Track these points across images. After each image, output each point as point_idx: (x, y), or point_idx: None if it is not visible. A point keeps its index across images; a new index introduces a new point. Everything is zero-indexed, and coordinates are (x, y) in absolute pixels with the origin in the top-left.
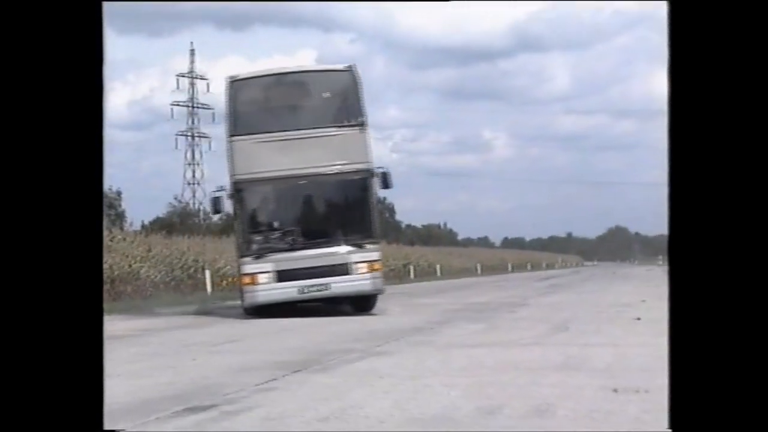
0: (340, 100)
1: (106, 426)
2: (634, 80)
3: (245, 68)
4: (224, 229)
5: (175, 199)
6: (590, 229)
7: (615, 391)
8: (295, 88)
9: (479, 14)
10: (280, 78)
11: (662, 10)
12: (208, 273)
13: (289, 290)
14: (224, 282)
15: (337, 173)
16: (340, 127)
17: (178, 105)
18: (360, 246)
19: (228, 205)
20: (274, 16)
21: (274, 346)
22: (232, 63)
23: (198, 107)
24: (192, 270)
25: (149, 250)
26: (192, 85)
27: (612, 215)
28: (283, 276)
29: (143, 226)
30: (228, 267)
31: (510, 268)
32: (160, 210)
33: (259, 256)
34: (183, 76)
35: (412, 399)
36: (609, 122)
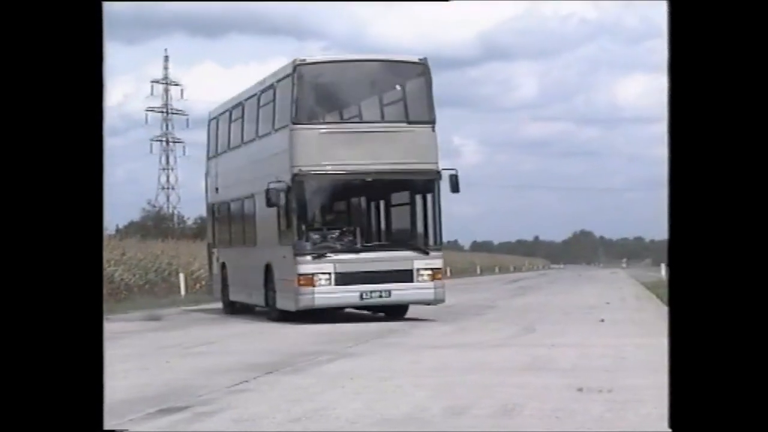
0: (412, 95)
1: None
2: (598, 89)
3: (219, 75)
4: (198, 233)
5: (149, 203)
6: (556, 233)
7: (580, 390)
8: (366, 77)
9: (449, 23)
10: (349, 65)
11: (624, 19)
12: (182, 276)
13: (349, 294)
14: (198, 285)
15: (404, 172)
16: (410, 123)
17: (152, 111)
18: (425, 252)
19: (283, 199)
20: (248, 24)
21: (247, 348)
22: (206, 70)
23: (172, 113)
24: (166, 273)
25: (123, 254)
26: (166, 91)
27: (577, 219)
28: (343, 279)
29: (117, 230)
30: (202, 270)
31: (479, 271)
32: (134, 214)
33: (318, 255)
34: (157, 83)
35: (382, 400)
36: (574, 129)
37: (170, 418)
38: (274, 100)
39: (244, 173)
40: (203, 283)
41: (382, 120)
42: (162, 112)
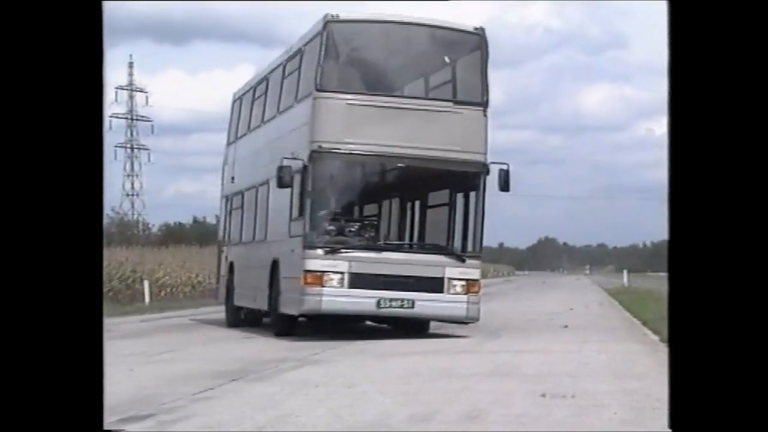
0: (463, 70)
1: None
2: (562, 97)
3: (184, 82)
4: (164, 240)
5: (113, 210)
6: (521, 240)
7: (543, 396)
8: (409, 43)
9: None
10: (391, 28)
11: (588, 29)
12: (146, 283)
13: (364, 301)
14: (162, 292)
15: (445, 161)
16: (458, 103)
17: (116, 117)
18: (460, 259)
19: (297, 179)
20: (213, 31)
21: (212, 356)
22: (172, 76)
23: (137, 119)
24: (130, 280)
25: None
26: (131, 97)
27: (541, 226)
28: (358, 281)
29: None
30: (167, 277)
31: None
32: None
33: (330, 250)
34: (122, 89)
35: (348, 407)
36: (539, 137)
37: (133, 426)
38: (300, 67)
39: (260, 157)
40: (168, 290)
41: (425, 96)
42: (126, 118)
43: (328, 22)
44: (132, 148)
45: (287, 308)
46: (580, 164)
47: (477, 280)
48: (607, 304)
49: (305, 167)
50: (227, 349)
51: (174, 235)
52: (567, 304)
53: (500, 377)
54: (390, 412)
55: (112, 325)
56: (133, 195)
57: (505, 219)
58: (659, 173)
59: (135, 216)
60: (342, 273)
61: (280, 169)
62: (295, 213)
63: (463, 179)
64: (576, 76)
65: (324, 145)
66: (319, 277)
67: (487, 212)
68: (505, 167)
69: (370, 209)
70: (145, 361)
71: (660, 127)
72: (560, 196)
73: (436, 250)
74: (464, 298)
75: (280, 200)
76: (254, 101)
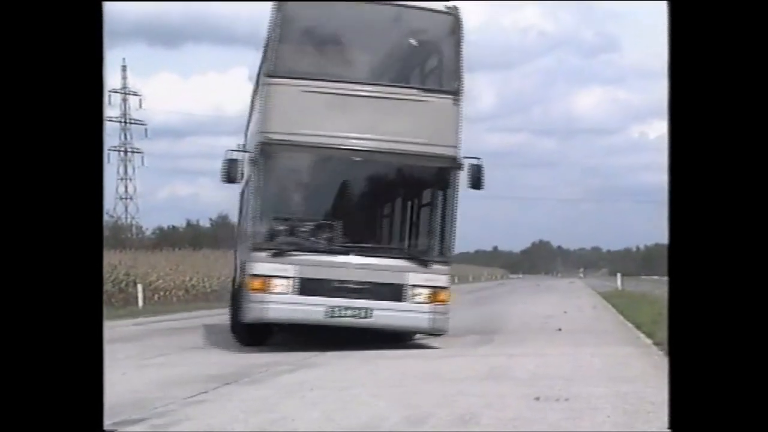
0: (432, 54)
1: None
2: (555, 100)
3: (178, 85)
4: (157, 244)
5: (107, 213)
6: (515, 243)
7: (537, 399)
8: (372, 24)
9: None
10: (352, 7)
11: (581, 33)
12: (140, 287)
13: (313, 309)
14: (156, 296)
15: (412, 155)
16: (426, 91)
17: (110, 120)
18: (424, 263)
19: (245, 174)
20: (206, 34)
21: (205, 359)
22: (165, 79)
23: (130, 123)
24: (123, 284)
25: None
26: (124, 100)
27: (535, 230)
28: (308, 287)
29: None
30: (160, 281)
31: None
32: None
33: (278, 252)
34: (115, 92)
35: (341, 410)
36: (532, 140)
37: (126, 430)
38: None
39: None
40: (162, 294)
41: (391, 83)
42: (120, 121)
43: (282, 1)
44: (126, 152)
45: (242, 316)
46: (574, 167)
47: (444, 288)
48: (600, 308)
49: (254, 161)
50: (221, 353)
51: (168, 239)
52: (561, 308)
53: (493, 380)
54: (383, 415)
55: (105, 328)
56: (126, 198)
57: (498, 222)
58: (653, 176)
59: (128, 219)
60: (290, 278)
61: (225, 162)
62: (245, 212)
63: (432, 175)
64: (569, 79)
65: (274, 137)
66: (264, 283)
67: (479, 215)
68: (476, 162)
69: (326, 208)
70: (138, 365)
71: (653, 130)
72: (554, 199)
73: (399, 253)
74: (428, 307)
75: (248, 196)
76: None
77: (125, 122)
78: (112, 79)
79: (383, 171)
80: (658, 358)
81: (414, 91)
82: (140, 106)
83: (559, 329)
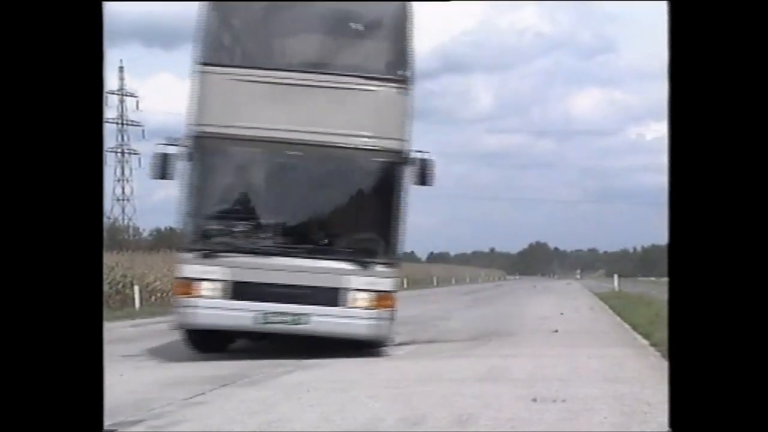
0: (378, 39)
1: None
2: (553, 101)
3: (175, 86)
4: (154, 245)
5: (104, 215)
6: (512, 245)
7: (534, 400)
8: (312, 8)
9: None
10: None
11: (579, 34)
12: (136, 288)
13: (244, 314)
14: (153, 297)
15: (354, 149)
16: (370, 79)
17: (107, 122)
18: (365, 265)
19: (174, 169)
20: None
21: (203, 360)
22: (162, 81)
23: (128, 124)
24: (120, 285)
25: None
26: (121, 102)
27: (532, 231)
28: (239, 291)
29: None
30: (157, 282)
31: (435, 282)
32: None
33: (208, 253)
34: (112, 93)
35: (339, 411)
36: (530, 142)
37: (124, 431)
38: None
39: None
40: (159, 295)
41: (332, 71)
42: (117, 123)
43: None
44: (123, 153)
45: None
46: (571, 168)
47: (389, 292)
48: (597, 309)
49: (185, 155)
50: (219, 354)
51: (165, 240)
52: (557, 309)
53: (491, 381)
54: (381, 416)
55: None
56: (123, 200)
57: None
58: (650, 178)
59: (125, 221)
60: (220, 281)
61: (155, 157)
62: (179, 210)
63: (376, 170)
64: (567, 80)
65: (205, 129)
66: (191, 286)
67: (477, 216)
68: (424, 156)
69: (261, 206)
70: (136, 366)
71: (650, 131)
72: (551, 200)
73: (339, 255)
74: (368, 313)
75: None
76: None
77: (122, 124)
78: (109, 80)
79: (323, 166)
80: (655, 359)
81: (356, 80)
82: (137, 107)
83: (556, 330)
